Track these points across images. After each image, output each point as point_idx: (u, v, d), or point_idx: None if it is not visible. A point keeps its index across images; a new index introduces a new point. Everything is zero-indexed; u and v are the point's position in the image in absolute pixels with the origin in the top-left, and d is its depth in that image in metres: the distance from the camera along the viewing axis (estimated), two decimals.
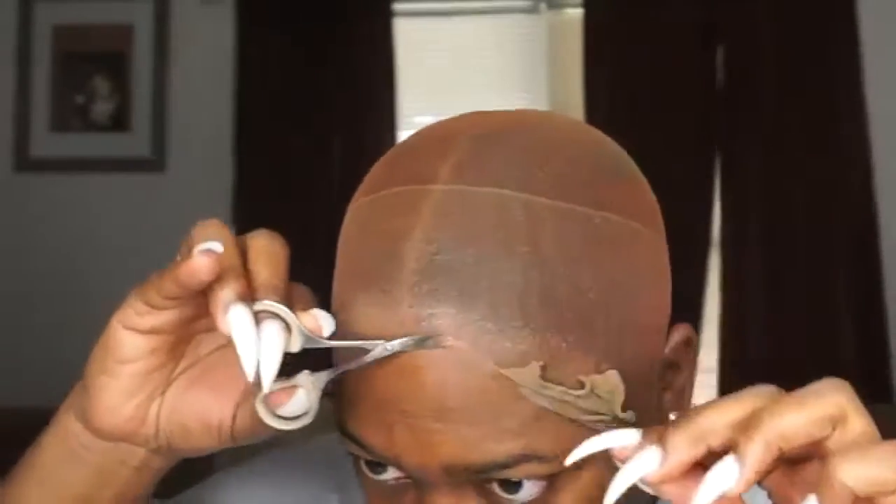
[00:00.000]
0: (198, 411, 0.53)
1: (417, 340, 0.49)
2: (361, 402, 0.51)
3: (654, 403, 0.55)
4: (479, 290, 0.49)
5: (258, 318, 0.47)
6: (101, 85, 3.11)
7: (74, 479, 0.55)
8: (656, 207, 0.57)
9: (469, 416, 0.49)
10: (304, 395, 0.48)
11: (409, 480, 0.53)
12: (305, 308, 0.49)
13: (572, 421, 0.50)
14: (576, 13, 3.05)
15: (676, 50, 2.93)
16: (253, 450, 0.71)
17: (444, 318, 0.49)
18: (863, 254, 2.85)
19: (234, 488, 0.70)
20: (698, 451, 0.41)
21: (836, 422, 0.40)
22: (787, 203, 2.87)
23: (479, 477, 0.50)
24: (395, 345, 0.49)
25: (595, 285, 0.50)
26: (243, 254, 0.50)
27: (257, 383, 0.47)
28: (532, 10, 3.15)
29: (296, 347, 0.47)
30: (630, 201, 0.54)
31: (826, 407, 0.40)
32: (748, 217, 2.89)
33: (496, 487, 0.51)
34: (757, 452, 0.39)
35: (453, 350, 0.48)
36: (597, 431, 0.49)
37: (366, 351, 0.49)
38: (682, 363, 0.57)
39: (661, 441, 0.41)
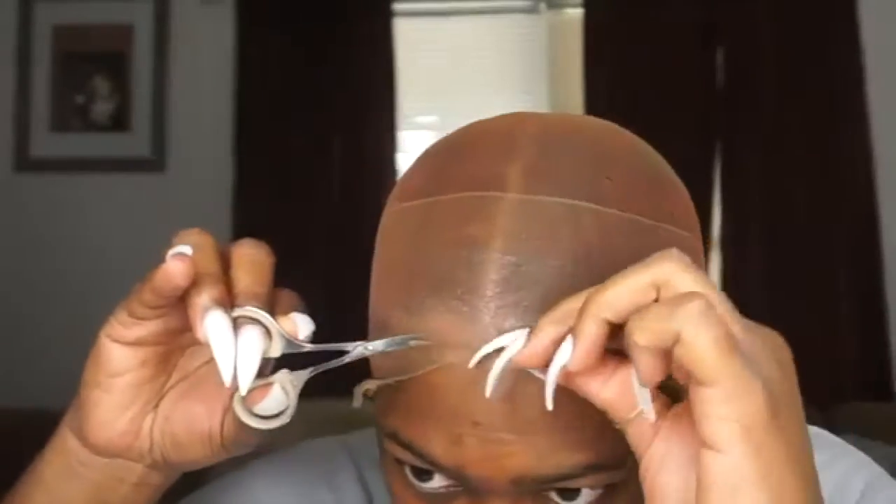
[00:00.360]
0: (188, 422, 0.52)
1: (398, 341, 0.48)
2: (425, 412, 0.50)
3: None
4: (558, 301, 0.48)
5: (237, 323, 0.47)
6: (101, 85, 3.11)
7: (75, 496, 0.55)
8: (695, 212, 0.59)
9: (545, 427, 0.49)
10: (280, 392, 0.48)
11: (459, 488, 0.52)
12: (287, 312, 0.49)
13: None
14: (576, 13, 3.05)
15: (676, 50, 2.93)
16: (252, 454, 0.71)
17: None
18: (863, 253, 2.85)
19: (232, 492, 0.69)
20: (561, 330, 0.44)
21: (659, 286, 0.43)
22: (788, 203, 2.87)
23: (545, 487, 0.50)
24: (377, 345, 0.49)
25: None
26: (226, 261, 0.50)
27: (237, 387, 0.47)
28: (532, 10, 3.15)
29: (276, 352, 0.47)
30: (681, 209, 0.56)
31: (647, 275, 0.43)
32: (748, 217, 2.89)
33: (554, 495, 0.51)
34: (584, 326, 0.43)
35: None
36: None
37: (346, 352, 0.49)
38: None
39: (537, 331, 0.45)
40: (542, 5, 3.13)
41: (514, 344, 0.46)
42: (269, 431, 0.49)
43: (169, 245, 0.50)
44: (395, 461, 0.54)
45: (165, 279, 0.47)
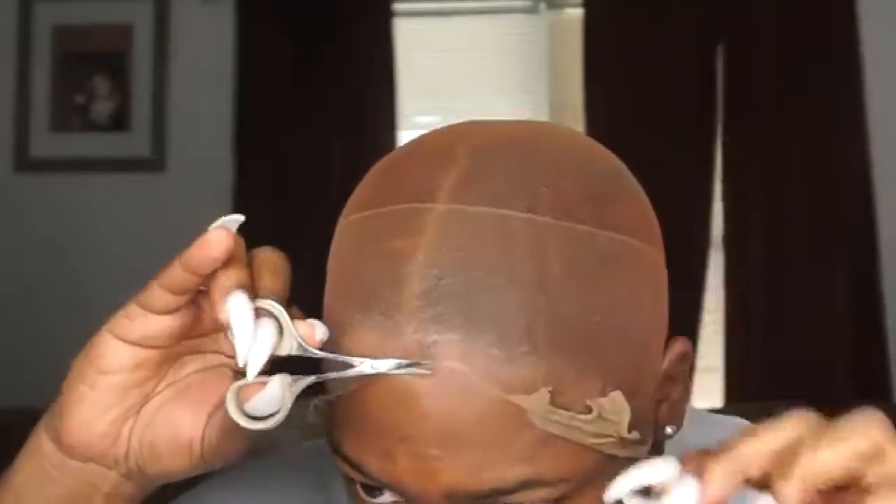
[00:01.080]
0: (169, 430, 0.51)
1: (405, 365, 0.48)
2: (358, 427, 0.50)
3: (652, 418, 0.55)
4: (485, 315, 0.48)
5: (256, 313, 0.46)
6: (101, 85, 3.11)
7: (46, 501, 0.54)
8: (656, 223, 0.57)
9: (475, 443, 0.48)
10: (276, 391, 0.47)
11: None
12: (300, 318, 0.49)
13: (579, 445, 0.49)
14: (576, 13, 3.05)
15: (676, 50, 2.93)
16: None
17: (449, 344, 0.48)
18: (862, 253, 2.85)
19: (221, 494, 0.69)
20: (737, 484, 0.41)
21: (873, 457, 0.40)
22: (787, 203, 2.87)
23: (480, 502, 0.50)
24: (379, 365, 0.48)
25: (601, 307, 0.50)
26: (249, 260, 0.49)
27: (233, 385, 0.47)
28: (532, 10, 3.15)
29: (285, 351, 0.47)
30: (632, 219, 0.53)
31: (862, 441, 0.40)
32: (748, 217, 2.89)
33: None
34: (795, 491, 0.40)
35: (458, 377, 0.48)
36: (601, 453, 0.50)
37: (351, 366, 0.48)
38: (678, 376, 0.56)
39: (700, 472, 0.42)
40: (542, 5, 3.13)
41: (679, 492, 0.42)
42: (253, 440, 0.49)
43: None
44: (347, 478, 0.54)
45: (207, 246, 0.46)
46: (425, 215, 0.50)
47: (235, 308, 0.46)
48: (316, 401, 0.52)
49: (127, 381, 0.51)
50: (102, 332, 0.51)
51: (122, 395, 0.51)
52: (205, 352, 0.52)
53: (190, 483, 0.70)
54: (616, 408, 0.50)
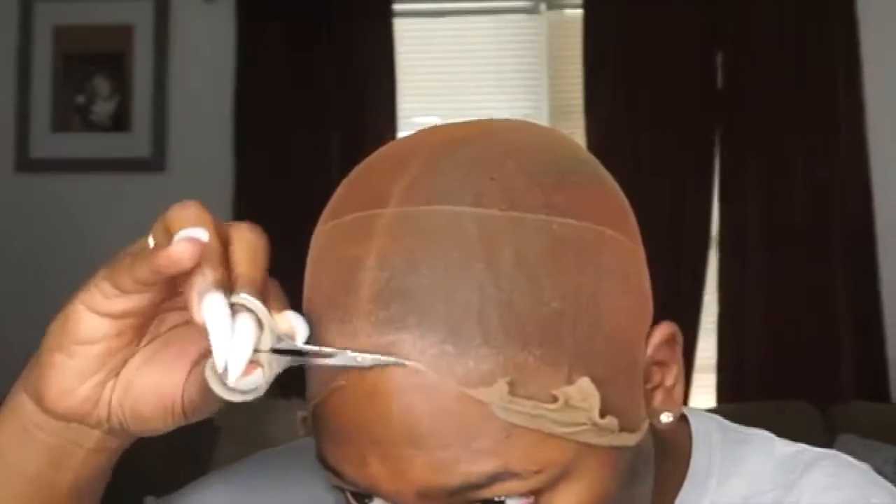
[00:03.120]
0: (149, 391, 0.51)
1: (383, 362, 0.48)
2: (335, 435, 0.51)
3: (640, 405, 0.54)
4: (436, 312, 0.48)
5: (233, 310, 0.46)
6: (102, 85, 3.11)
7: (29, 459, 0.54)
8: (624, 208, 0.56)
9: (439, 440, 0.48)
10: (260, 375, 0.47)
11: None
12: (280, 308, 0.48)
13: (549, 434, 0.49)
14: (576, 13, 3.05)
15: (676, 50, 2.93)
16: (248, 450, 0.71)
17: (403, 344, 0.48)
18: (860, 254, 2.85)
19: (223, 488, 0.69)
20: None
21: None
22: (786, 203, 2.87)
23: (457, 499, 0.49)
24: (365, 359, 0.48)
25: (557, 294, 0.49)
26: (223, 239, 0.48)
27: (207, 354, 0.47)
28: (532, 10, 3.15)
29: (266, 346, 0.47)
30: (591, 204, 0.53)
31: None
32: (747, 217, 2.89)
33: None
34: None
35: (416, 375, 0.48)
36: (576, 442, 0.49)
37: (331, 356, 0.49)
38: (669, 361, 0.56)
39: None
40: (542, 5, 3.13)
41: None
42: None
43: (164, 213, 0.50)
44: (337, 489, 0.54)
45: (171, 262, 0.46)
46: (376, 220, 0.50)
47: (211, 310, 0.45)
48: (302, 413, 0.52)
49: (107, 350, 0.50)
50: (77, 305, 0.50)
51: (101, 362, 0.51)
52: (182, 308, 0.50)
53: (191, 475, 0.71)
54: (583, 395, 0.49)
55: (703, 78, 2.95)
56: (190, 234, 0.46)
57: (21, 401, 0.53)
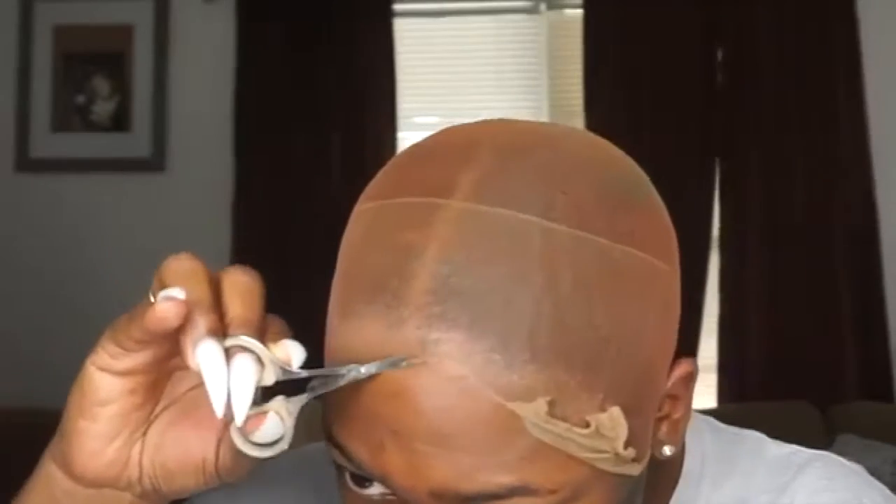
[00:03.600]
0: (180, 451, 0.51)
1: (391, 362, 0.47)
2: (351, 415, 0.50)
3: (650, 436, 0.54)
4: (490, 318, 0.47)
5: (230, 352, 0.46)
6: (102, 85, 3.11)
7: None
8: (674, 241, 0.55)
9: (467, 445, 0.48)
10: (276, 420, 0.47)
11: (394, 497, 0.51)
12: (277, 339, 0.47)
13: (571, 457, 0.49)
14: (576, 13, 3.05)
15: (676, 50, 2.93)
16: None
17: (450, 343, 0.47)
18: (862, 253, 2.85)
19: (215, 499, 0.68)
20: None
21: None
22: (787, 203, 2.87)
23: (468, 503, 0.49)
24: (370, 367, 0.47)
25: (607, 322, 0.49)
26: (216, 287, 0.48)
27: (231, 417, 0.46)
28: (532, 10, 3.15)
29: (270, 380, 0.46)
30: (650, 234, 0.53)
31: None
32: (748, 217, 2.89)
33: None
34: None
35: (457, 378, 0.47)
36: (593, 467, 0.49)
37: (340, 375, 0.48)
38: (682, 396, 0.56)
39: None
40: (542, 5, 3.13)
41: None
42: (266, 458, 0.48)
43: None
44: (337, 466, 0.53)
45: (157, 321, 0.46)
46: (441, 210, 0.50)
47: (203, 356, 0.45)
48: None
49: (125, 408, 0.50)
50: (88, 366, 0.50)
51: (123, 421, 0.50)
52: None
53: None
54: (614, 424, 0.49)
55: (703, 78, 2.94)
56: (169, 294, 0.46)
57: (50, 470, 0.53)
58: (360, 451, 0.50)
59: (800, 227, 2.86)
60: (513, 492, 0.48)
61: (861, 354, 2.82)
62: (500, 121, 0.56)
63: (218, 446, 0.51)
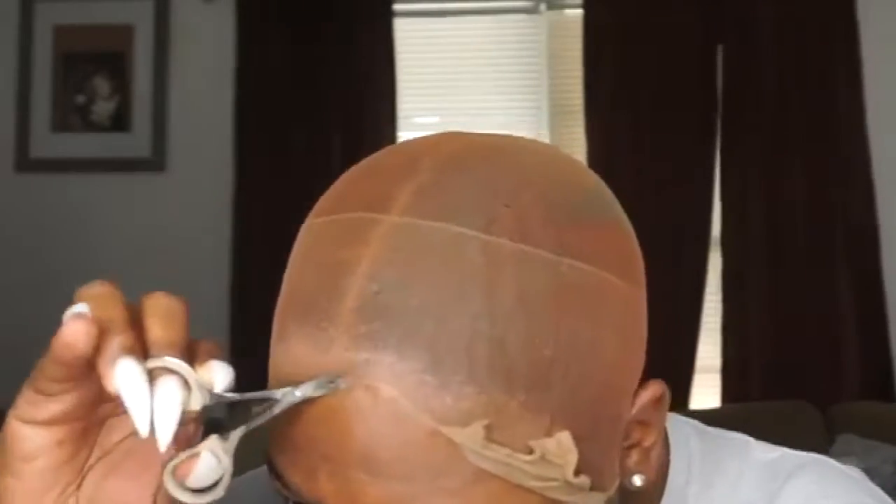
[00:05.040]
0: (116, 503, 0.48)
1: (322, 384, 0.45)
2: (286, 443, 0.48)
3: (614, 464, 0.51)
4: (421, 337, 0.45)
5: (152, 375, 0.42)
6: (102, 85, 3.11)
7: None
8: (637, 258, 0.52)
9: (402, 472, 0.45)
10: (211, 461, 0.44)
11: None
12: (203, 361, 0.44)
13: (517, 486, 0.46)
14: (576, 13, 3.05)
15: (677, 50, 2.93)
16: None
17: (379, 365, 0.45)
18: (863, 253, 2.85)
19: None
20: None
21: None
22: (787, 203, 2.87)
23: None
24: (306, 389, 0.45)
25: (553, 340, 0.46)
26: (135, 313, 0.45)
27: (169, 460, 0.44)
28: (532, 10, 3.15)
29: (196, 405, 0.43)
30: (605, 250, 0.49)
31: None
32: (748, 217, 2.89)
33: None
34: None
35: (388, 401, 0.45)
36: (542, 496, 0.47)
37: (274, 399, 0.45)
38: (652, 421, 0.52)
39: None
40: (542, 5, 3.13)
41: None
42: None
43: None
44: (282, 497, 0.51)
45: (66, 347, 0.42)
46: (375, 226, 0.47)
47: (122, 376, 0.41)
48: (255, 410, 0.48)
49: (54, 462, 0.47)
50: (11, 420, 0.46)
51: (53, 476, 0.47)
52: (125, 412, 0.46)
53: None
54: (562, 450, 0.46)
55: (703, 77, 2.94)
56: (73, 311, 0.43)
57: None
58: (296, 478, 0.48)
59: (800, 227, 2.86)
60: None
61: (861, 354, 2.82)
62: (451, 133, 0.53)
63: (155, 496, 0.48)
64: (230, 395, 0.44)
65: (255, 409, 0.46)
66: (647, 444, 0.53)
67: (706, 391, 2.89)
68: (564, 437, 0.47)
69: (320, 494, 0.47)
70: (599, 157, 2.79)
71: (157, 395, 0.42)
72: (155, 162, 3.07)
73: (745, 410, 2.65)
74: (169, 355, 0.43)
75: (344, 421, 0.45)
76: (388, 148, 0.54)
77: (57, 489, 0.47)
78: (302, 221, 0.54)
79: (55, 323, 0.46)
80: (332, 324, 0.46)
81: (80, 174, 3.09)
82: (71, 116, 3.11)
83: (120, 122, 3.10)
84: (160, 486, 0.47)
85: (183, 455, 0.44)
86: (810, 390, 2.73)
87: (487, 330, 0.45)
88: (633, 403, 0.51)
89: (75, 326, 0.42)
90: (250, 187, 2.99)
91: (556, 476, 0.46)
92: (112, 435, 0.49)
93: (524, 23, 3.17)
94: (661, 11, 2.93)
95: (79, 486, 0.48)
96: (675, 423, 0.64)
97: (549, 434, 0.46)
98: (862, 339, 2.83)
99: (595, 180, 0.54)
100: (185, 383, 0.43)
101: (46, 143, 3.10)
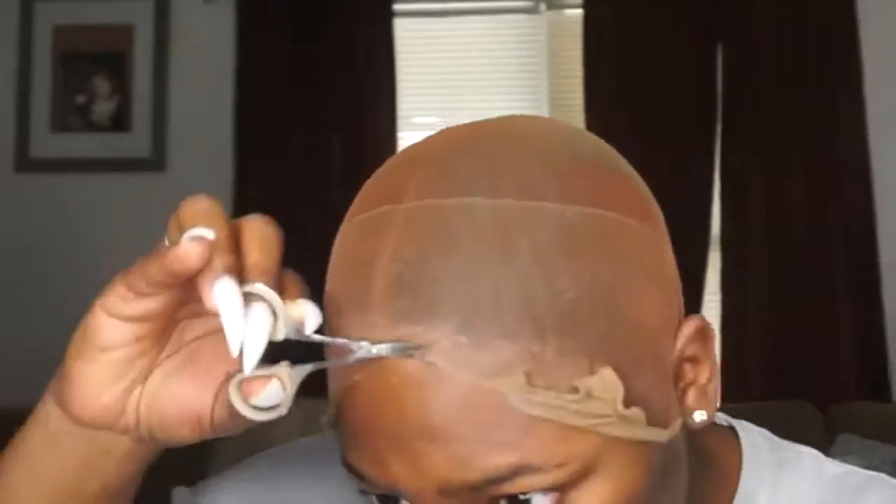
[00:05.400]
0: (178, 402, 0.51)
1: (399, 348, 0.47)
2: (353, 435, 0.50)
3: (671, 401, 0.52)
4: (448, 303, 0.47)
5: (246, 299, 0.45)
6: (102, 85, 3.11)
7: (58, 466, 0.54)
8: (647, 199, 0.55)
9: (456, 433, 0.47)
10: (278, 387, 0.47)
11: None
12: (294, 297, 0.48)
13: (571, 427, 0.47)
14: (576, 13, 3.05)
15: (676, 50, 2.93)
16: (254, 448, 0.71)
17: (415, 337, 0.47)
18: (861, 253, 2.85)
19: (229, 492, 0.68)
20: None
21: None
22: (787, 203, 2.87)
23: (479, 495, 0.48)
24: (382, 348, 0.47)
25: (573, 284, 0.48)
26: (236, 235, 0.48)
27: (234, 373, 0.46)
28: (532, 10, 3.15)
29: (280, 336, 0.46)
30: (607, 191, 0.52)
31: None
32: (748, 217, 2.89)
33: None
34: None
35: (429, 368, 0.47)
36: (600, 436, 0.48)
37: (350, 350, 0.48)
38: (701, 357, 0.54)
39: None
40: (542, 5, 3.13)
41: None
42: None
43: (176, 209, 0.50)
44: (363, 493, 0.53)
45: (180, 261, 0.45)
46: (392, 216, 0.50)
47: (222, 296, 0.45)
48: (325, 417, 0.52)
49: (128, 355, 0.50)
50: (97, 310, 0.50)
51: (124, 369, 0.50)
52: (205, 314, 0.50)
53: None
54: (606, 385, 0.48)
55: (703, 77, 2.94)
56: (197, 233, 0.46)
57: (49, 408, 0.53)
58: (368, 469, 0.50)
59: (799, 228, 2.86)
60: (516, 471, 0.47)
61: (860, 354, 2.82)
62: (450, 127, 0.57)
63: (214, 401, 0.51)
64: (313, 335, 0.47)
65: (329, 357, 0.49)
66: (702, 380, 0.54)
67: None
68: (607, 372, 0.48)
69: (393, 478, 0.49)
70: None
71: (249, 320, 0.45)
72: (155, 162, 3.07)
73: (745, 410, 2.64)
74: (263, 282, 0.46)
75: (397, 396, 0.48)
76: (399, 152, 0.57)
77: (125, 381, 0.50)
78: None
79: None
80: (368, 310, 0.49)
81: (80, 174, 3.09)
82: (71, 116, 3.11)
83: (120, 122, 3.10)
84: (219, 392, 0.50)
85: (252, 373, 0.46)
86: (809, 390, 2.73)
87: (509, 284, 0.48)
88: (675, 339, 0.53)
89: (195, 246, 0.45)
90: (250, 187, 2.99)
91: (607, 411, 0.48)
92: (184, 335, 0.52)
93: (524, 23, 3.18)
94: (661, 11, 2.93)
95: (144, 380, 0.51)
96: (750, 433, 0.65)
97: (592, 372, 0.48)
98: (861, 338, 2.83)
99: (596, 140, 0.57)
100: (273, 313, 0.46)
101: (46, 143, 3.10)
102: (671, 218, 0.57)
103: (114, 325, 0.49)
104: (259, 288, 0.46)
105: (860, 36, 2.89)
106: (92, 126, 3.11)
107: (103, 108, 3.11)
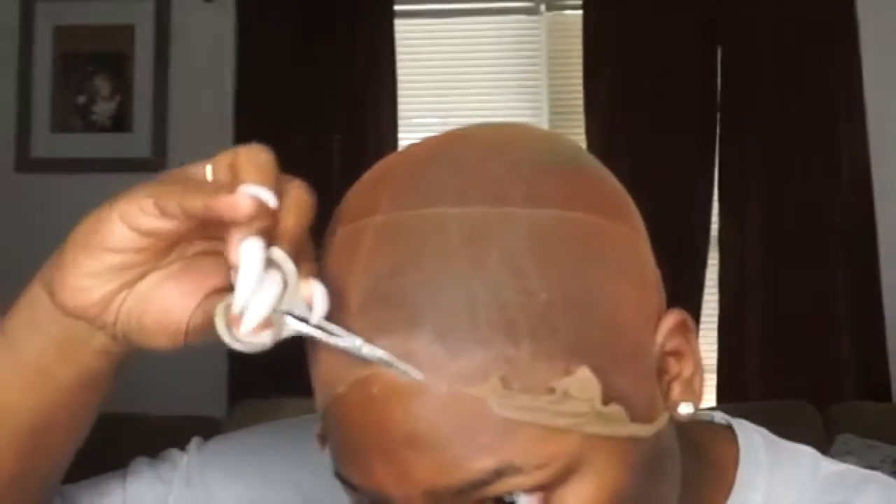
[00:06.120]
0: (160, 310, 0.52)
1: (387, 356, 0.48)
2: (342, 446, 0.51)
3: (654, 395, 0.53)
4: (422, 314, 0.48)
5: (267, 262, 0.47)
6: (102, 85, 3.11)
7: (38, 348, 0.55)
8: (620, 198, 0.55)
9: (439, 440, 0.48)
10: (268, 335, 0.48)
11: None
12: (310, 274, 0.49)
13: (551, 428, 0.48)
14: (576, 13, 3.05)
15: (676, 50, 2.94)
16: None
17: (392, 349, 0.48)
18: (861, 253, 2.85)
19: (218, 468, 0.69)
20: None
21: None
22: (786, 203, 2.87)
23: (465, 498, 0.49)
24: (371, 350, 0.48)
25: (544, 286, 0.49)
26: (278, 193, 0.49)
27: (223, 292, 0.48)
28: (532, 11, 3.15)
29: (285, 307, 0.47)
30: (574, 192, 0.52)
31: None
32: (747, 217, 2.89)
33: None
34: None
35: (408, 378, 0.48)
36: (581, 435, 0.48)
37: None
38: (684, 350, 0.55)
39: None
40: (542, 5, 3.14)
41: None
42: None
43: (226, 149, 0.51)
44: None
45: (230, 210, 0.46)
46: (364, 231, 0.51)
47: (247, 256, 0.46)
48: (317, 430, 0.53)
49: (129, 261, 0.51)
50: (112, 213, 0.51)
51: (121, 272, 0.51)
52: (211, 237, 0.51)
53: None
54: (582, 383, 0.49)
55: (703, 78, 2.95)
56: (257, 192, 0.47)
57: (37, 292, 0.55)
58: (356, 477, 0.51)
59: (799, 227, 2.86)
60: (499, 474, 0.48)
61: (859, 354, 2.83)
62: (422, 140, 0.57)
63: (192, 312, 0.52)
64: (317, 319, 0.48)
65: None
66: (687, 373, 0.55)
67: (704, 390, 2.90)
68: (583, 371, 0.49)
69: (380, 485, 0.50)
70: (599, 157, 2.77)
71: (261, 286, 0.46)
72: (155, 162, 3.07)
73: (744, 410, 2.65)
74: (288, 247, 0.48)
75: (382, 407, 0.48)
76: (377, 163, 0.57)
77: (117, 282, 0.52)
78: None
79: None
80: (346, 326, 0.49)
81: (80, 174, 3.09)
82: (71, 116, 3.12)
83: (120, 122, 3.10)
84: (201, 303, 0.52)
85: (240, 306, 0.47)
86: (809, 390, 2.73)
87: (481, 291, 0.48)
88: (654, 333, 0.53)
89: (251, 205, 0.47)
90: None
91: (585, 409, 0.49)
92: (187, 250, 0.53)
93: (524, 23, 3.18)
94: (661, 12, 2.94)
95: (133, 284, 0.52)
96: (746, 431, 0.65)
97: (568, 373, 0.49)
98: (860, 338, 2.83)
99: (557, 136, 0.57)
100: (285, 284, 0.47)
101: (47, 143, 3.10)
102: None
103: (124, 232, 0.50)
104: (280, 256, 0.47)
105: (860, 36, 2.89)
106: (92, 126, 3.11)
107: (104, 109, 3.11)
